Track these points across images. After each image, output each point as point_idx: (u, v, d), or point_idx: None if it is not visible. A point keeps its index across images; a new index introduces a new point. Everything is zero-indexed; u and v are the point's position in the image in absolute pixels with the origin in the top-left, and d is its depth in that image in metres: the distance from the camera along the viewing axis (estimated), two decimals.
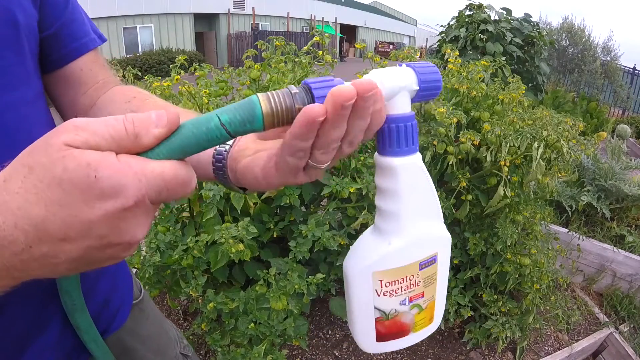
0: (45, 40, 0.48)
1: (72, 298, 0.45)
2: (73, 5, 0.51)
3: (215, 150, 0.39)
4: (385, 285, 0.36)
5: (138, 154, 0.26)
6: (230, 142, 0.39)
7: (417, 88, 0.33)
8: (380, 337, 0.39)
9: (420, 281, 0.37)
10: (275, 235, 1.51)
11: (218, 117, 0.27)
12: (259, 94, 0.28)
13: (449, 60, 1.77)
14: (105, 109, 0.51)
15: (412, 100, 0.34)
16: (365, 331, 0.38)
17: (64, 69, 0.51)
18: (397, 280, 0.36)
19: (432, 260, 0.37)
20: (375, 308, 0.37)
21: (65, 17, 0.49)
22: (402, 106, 0.33)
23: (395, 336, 0.39)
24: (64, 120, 0.54)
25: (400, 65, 0.34)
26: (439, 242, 0.38)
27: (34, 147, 0.25)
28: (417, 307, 0.38)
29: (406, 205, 0.35)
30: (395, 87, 0.32)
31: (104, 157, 0.24)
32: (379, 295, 0.36)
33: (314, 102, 0.29)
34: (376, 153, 0.35)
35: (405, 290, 0.37)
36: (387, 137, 0.33)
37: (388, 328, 0.38)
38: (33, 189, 0.24)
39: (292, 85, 0.29)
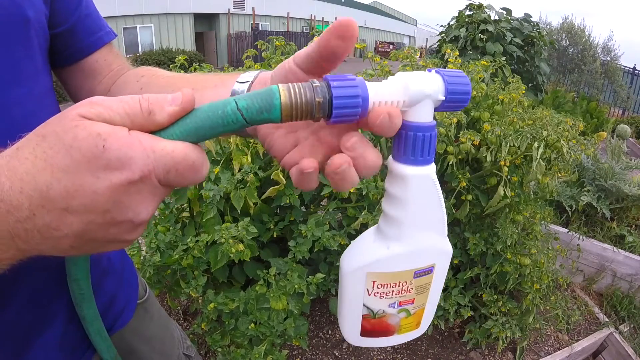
0: (60, 36, 0.48)
1: (80, 287, 0.45)
2: (87, 1, 0.52)
3: (232, 91, 0.38)
4: (377, 287, 0.36)
5: (152, 132, 0.26)
6: (249, 80, 0.37)
7: (443, 98, 0.31)
8: (365, 332, 0.40)
9: (412, 288, 0.37)
10: (275, 235, 1.51)
11: (235, 102, 0.27)
12: (280, 84, 0.28)
13: (449, 60, 1.76)
14: (119, 91, 0.52)
15: (437, 109, 0.32)
16: (351, 324, 0.39)
17: (81, 62, 0.52)
18: (390, 284, 0.36)
19: (428, 271, 0.37)
20: (364, 305, 0.38)
21: (79, 12, 0.50)
22: (423, 114, 0.31)
23: (379, 334, 0.40)
24: None
25: (430, 71, 0.32)
26: (438, 254, 0.37)
27: (50, 120, 0.26)
28: (405, 311, 0.39)
29: (411, 215, 0.34)
30: (419, 93, 0.30)
31: (115, 129, 0.25)
32: (369, 295, 0.37)
33: (332, 99, 0.28)
34: (390, 156, 0.34)
35: (396, 294, 0.37)
36: (403, 144, 0.32)
37: (373, 326, 0.39)
38: (42, 155, 0.24)
39: (315, 79, 0.29)
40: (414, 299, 0.38)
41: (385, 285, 0.36)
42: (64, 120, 0.25)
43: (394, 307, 0.38)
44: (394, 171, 0.33)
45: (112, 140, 0.24)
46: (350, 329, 0.40)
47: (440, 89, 0.31)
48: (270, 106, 0.27)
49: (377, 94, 0.30)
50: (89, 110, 0.25)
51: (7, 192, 0.24)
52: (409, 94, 0.30)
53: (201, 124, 0.27)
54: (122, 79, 0.54)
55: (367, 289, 0.37)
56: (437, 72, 0.32)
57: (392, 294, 0.37)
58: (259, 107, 0.27)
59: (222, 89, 0.39)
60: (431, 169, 0.33)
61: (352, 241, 0.39)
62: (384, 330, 0.39)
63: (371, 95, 0.29)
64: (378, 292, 0.37)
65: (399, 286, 0.37)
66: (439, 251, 0.37)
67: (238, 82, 0.37)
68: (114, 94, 0.52)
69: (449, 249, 0.38)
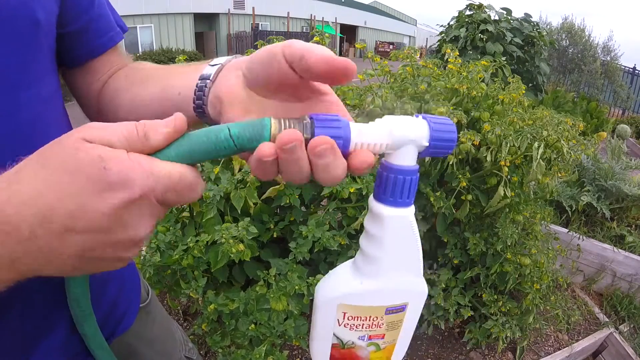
0: (69, 36, 0.47)
1: (80, 306, 0.45)
2: (100, 0, 0.51)
3: (197, 86, 0.37)
4: (347, 319, 0.37)
5: (149, 154, 0.27)
6: (221, 62, 0.37)
7: (427, 145, 0.32)
8: None
9: (383, 324, 0.38)
10: (275, 236, 1.51)
11: (228, 129, 0.28)
12: (272, 118, 0.29)
13: (449, 60, 1.76)
14: (109, 87, 0.52)
15: (421, 155, 0.33)
16: (320, 351, 0.40)
17: (86, 63, 0.52)
18: (360, 317, 0.37)
19: (400, 309, 0.38)
20: (334, 335, 0.38)
21: (92, 12, 0.49)
22: (406, 158, 0.32)
23: None
24: (81, 107, 0.55)
25: (417, 117, 0.33)
26: (412, 294, 0.38)
27: (51, 144, 0.26)
28: (375, 345, 0.39)
29: (387, 254, 0.35)
30: (403, 138, 0.31)
31: (114, 152, 0.26)
32: (339, 325, 0.37)
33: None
34: (371, 195, 0.34)
35: (366, 328, 0.37)
36: (384, 185, 0.33)
37: (342, 355, 0.39)
38: (43, 178, 0.25)
39: (305, 116, 0.30)
40: (384, 334, 0.38)
41: (356, 318, 0.37)
42: (65, 143, 0.25)
43: (364, 340, 0.38)
44: (373, 210, 0.34)
45: (113, 162, 0.25)
46: (319, 355, 0.40)
47: (424, 135, 0.32)
48: (260, 136, 0.28)
49: (360, 133, 0.31)
50: (89, 133, 0.26)
51: (7, 216, 0.24)
52: (393, 138, 0.31)
53: (196, 148, 0.28)
54: (114, 76, 0.53)
55: (338, 319, 0.37)
56: (423, 117, 0.32)
57: (362, 327, 0.37)
58: (250, 136, 0.28)
59: (195, 74, 0.39)
60: (410, 211, 0.33)
61: (330, 270, 0.40)
62: None
63: (354, 136, 0.30)
64: (348, 324, 0.37)
65: (369, 320, 0.37)
66: (413, 291, 0.38)
67: (210, 65, 0.38)
68: (105, 92, 0.52)
69: (423, 289, 0.38)
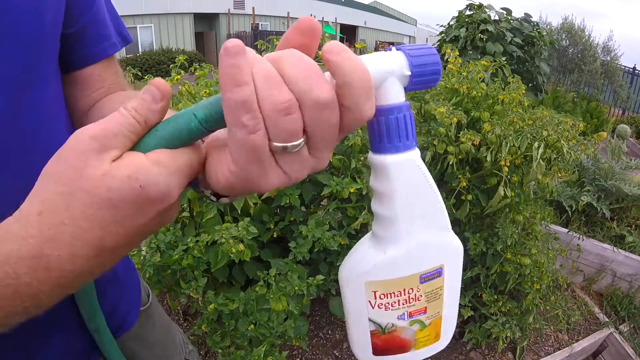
0: (65, 39, 0.45)
1: (91, 302, 0.46)
2: (98, 5, 0.49)
3: None
4: (380, 297, 0.33)
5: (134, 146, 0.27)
6: None
7: (409, 73, 0.28)
8: (378, 351, 0.36)
9: (421, 296, 0.33)
10: (275, 236, 1.51)
11: (195, 116, 0.27)
12: None
13: (449, 60, 1.76)
14: (100, 109, 0.50)
15: (408, 89, 0.29)
16: (361, 343, 0.35)
17: (76, 72, 0.49)
18: (394, 293, 0.32)
19: (436, 273, 0.33)
20: (370, 320, 0.34)
21: (90, 16, 0.47)
22: (392, 95, 0.28)
23: (394, 351, 0.35)
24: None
25: (390, 49, 0.29)
26: (445, 252, 0.34)
27: (60, 172, 0.25)
28: (419, 323, 0.34)
29: (402, 209, 0.30)
30: (380, 71, 0.28)
31: (137, 164, 0.25)
32: (373, 307, 0.33)
33: None
34: (369, 152, 0.31)
35: (403, 304, 0.33)
36: (377, 131, 0.29)
37: (385, 342, 0.35)
38: (82, 216, 0.24)
39: None
40: (425, 307, 0.34)
41: (389, 295, 0.32)
42: (86, 172, 0.24)
43: (404, 318, 0.33)
44: (374, 164, 0.30)
45: (143, 176, 0.25)
46: (361, 348, 0.36)
47: (403, 63, 0.28)
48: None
49: (332, 78, 0.28)
50: (102, 150, 0.25)
51: (56, 263, 0.24)
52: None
53: (171, 143, 0.27)
54: (107, 99, 0.51)
55: (370, 301, 0.33)
56: (398, 48, 0.29)
57: (399, 304, 0.33)
58: (218, 116, 0.27)
59: None
60: (414, 154, 0.30)
61: (350, 249, 0.36)
62: (399, 346, 0.35)
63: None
64: (382, 304, 0.33)
65: (404, 294, 0.32)
66: (444, 248, 0.33)
67: None
68: (96, 111, 0.50)
69: (456, 244, 0.34)
